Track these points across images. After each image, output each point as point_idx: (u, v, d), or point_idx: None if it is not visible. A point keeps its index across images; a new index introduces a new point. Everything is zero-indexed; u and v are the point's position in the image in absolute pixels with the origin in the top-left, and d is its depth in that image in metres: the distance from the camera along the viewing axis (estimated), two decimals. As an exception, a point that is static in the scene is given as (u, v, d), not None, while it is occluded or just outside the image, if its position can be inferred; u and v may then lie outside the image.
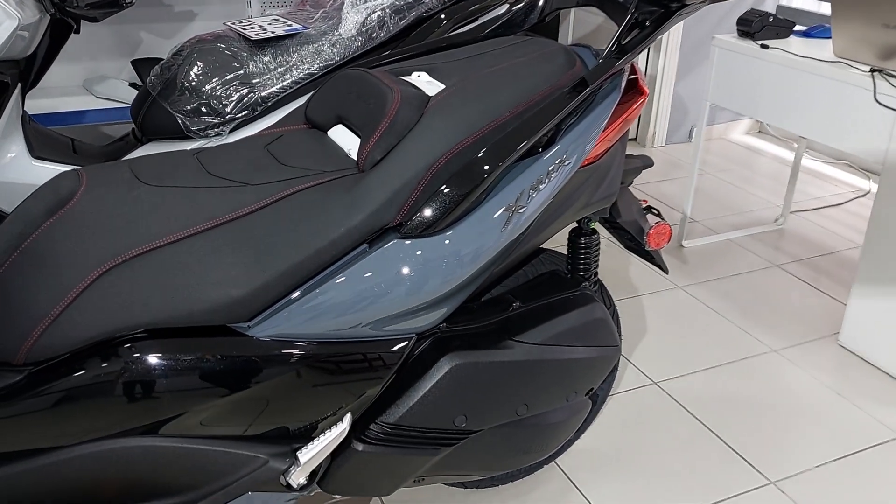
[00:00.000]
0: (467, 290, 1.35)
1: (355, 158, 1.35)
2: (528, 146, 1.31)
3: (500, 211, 1.31)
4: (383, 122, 1.31)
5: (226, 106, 2.10)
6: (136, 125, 2.19)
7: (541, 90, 1.39)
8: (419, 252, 1.26)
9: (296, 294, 1.22)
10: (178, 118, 2.10)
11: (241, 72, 2.12)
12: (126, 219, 1.18)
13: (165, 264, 1.15)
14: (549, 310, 1.49)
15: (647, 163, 1.72)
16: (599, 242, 1.63)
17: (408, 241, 1.26)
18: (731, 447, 2.06)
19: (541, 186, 1.34)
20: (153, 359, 1.14)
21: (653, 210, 1.76)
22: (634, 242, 1.72)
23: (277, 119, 2.03)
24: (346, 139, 1.43)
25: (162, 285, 1.13)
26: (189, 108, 2.10)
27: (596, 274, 1.64)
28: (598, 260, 1.63)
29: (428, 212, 1.26)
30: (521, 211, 1.33)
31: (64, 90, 3.07)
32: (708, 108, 2.98)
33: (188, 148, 1.78)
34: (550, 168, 1.35)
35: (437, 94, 1.38)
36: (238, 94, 2.10)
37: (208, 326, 1.19)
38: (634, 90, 1.50)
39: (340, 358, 1.28)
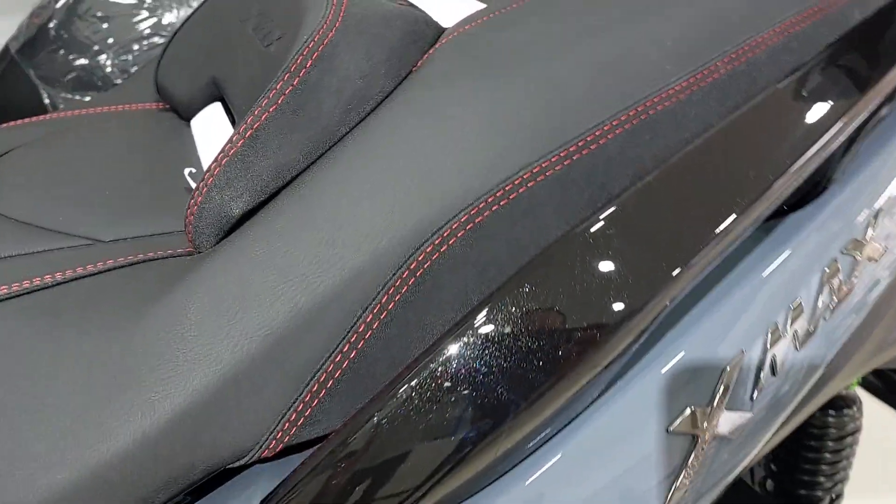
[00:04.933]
0: None
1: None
2: (772, 198, 0.37)
3: (676, 416, 0.36)
4: (276, 84, 0.39)
5: (126, 74, 1.22)
6: (-17, 104, 1.33)
7: (770, 27, 0.45)
8: None
9: None
10: (44, 92, 1.22)
11: (153, 20, 1.24)
12: None
13: None
14: None
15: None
16: (861, 424, 0.67)
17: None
18: None
19: (820, 313, 0.39)
20: None
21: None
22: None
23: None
24: (218, 136, 0.52)
25: None
26: (67, 76, 1.23)
27: (841, 497, 0.68)
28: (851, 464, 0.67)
29: (395, 422, 0.34)
30: (746, 408, 0.38)
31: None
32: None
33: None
34: (838, 254, 0.40)
35: (462, 24, 0.45)
36: (147, 53, 1.21)
37: None
38: None
39: None
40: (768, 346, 0.38)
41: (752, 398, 0.38)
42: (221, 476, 0.39)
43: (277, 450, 0.36)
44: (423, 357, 0.35)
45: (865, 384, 0.86)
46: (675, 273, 0.34)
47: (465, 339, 0.34)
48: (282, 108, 0.39)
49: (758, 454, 0.46)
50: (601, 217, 0.36)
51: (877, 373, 0.82)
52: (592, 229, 0.36)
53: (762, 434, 0.40)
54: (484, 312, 0.35)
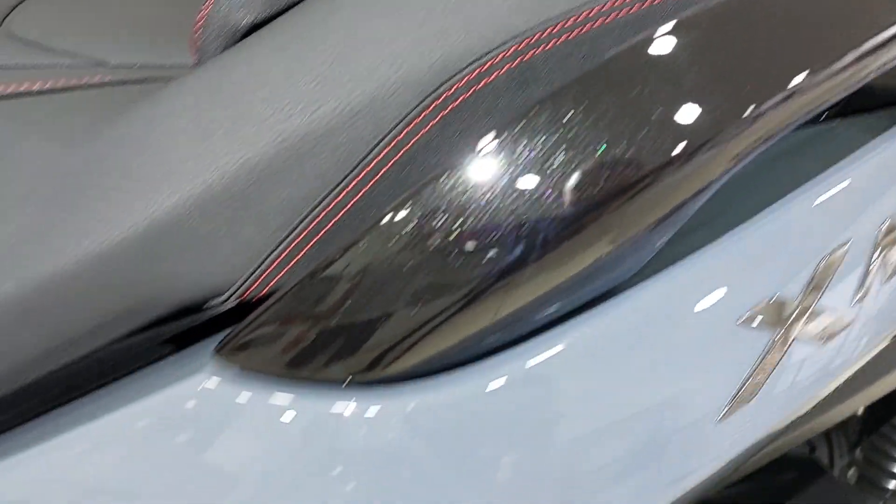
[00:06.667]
0: None
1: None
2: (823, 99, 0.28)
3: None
4: None
5: None
6: None
7: None
8: (329, 443, 0.28)
9: None
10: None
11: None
12: None
13: None
14: None
15: None
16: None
17: (283, 396, 0.28)
18: None
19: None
20: None
21: None
22: None
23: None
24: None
25: None
26: None
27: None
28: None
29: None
30: (845, 311, 0.30)
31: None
32: None
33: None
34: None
35: None
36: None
37: None
38: None
39: None
40: (878, 244, 0.29)
41: (853, 303, 0.30)
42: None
43: (262, 293, 0.30)
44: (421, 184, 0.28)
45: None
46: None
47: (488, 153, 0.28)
48: None
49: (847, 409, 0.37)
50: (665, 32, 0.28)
51: None
52: (653, 49, 0.28)
53: (857, 350, 0.31)
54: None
